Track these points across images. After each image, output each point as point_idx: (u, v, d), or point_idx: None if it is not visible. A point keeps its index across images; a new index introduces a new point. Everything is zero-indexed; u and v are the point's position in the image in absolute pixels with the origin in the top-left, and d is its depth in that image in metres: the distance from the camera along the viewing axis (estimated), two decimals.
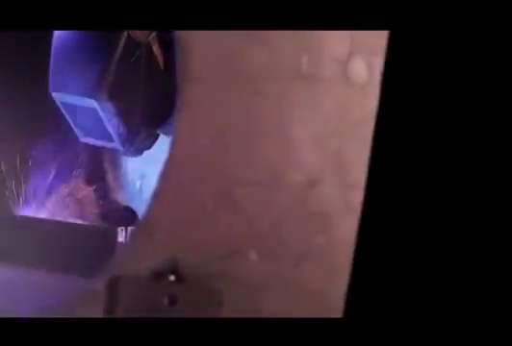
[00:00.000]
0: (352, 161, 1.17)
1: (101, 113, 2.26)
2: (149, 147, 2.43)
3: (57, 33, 2.26)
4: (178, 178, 1.13)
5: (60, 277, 1.95)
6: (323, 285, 1.17)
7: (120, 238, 2.26)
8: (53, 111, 2.35)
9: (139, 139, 2.38)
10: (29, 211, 2.25)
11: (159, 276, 1.12)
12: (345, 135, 1.17)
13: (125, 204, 2.54)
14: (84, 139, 2.39)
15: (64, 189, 2.37)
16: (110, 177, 2.55)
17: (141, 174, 2.50)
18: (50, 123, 2.37)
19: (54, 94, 2.29)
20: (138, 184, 2.50)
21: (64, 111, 2.33)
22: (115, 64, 2.22)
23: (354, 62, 1.17)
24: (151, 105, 2.34)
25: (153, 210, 1.12)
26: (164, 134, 2.42)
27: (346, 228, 1.17)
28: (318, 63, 1.16)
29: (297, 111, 1.16)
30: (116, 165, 2.55)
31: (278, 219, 1.16)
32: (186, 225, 1.13)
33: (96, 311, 1.10)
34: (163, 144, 2.42)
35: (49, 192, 2.33)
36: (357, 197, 1.17)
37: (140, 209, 2.49)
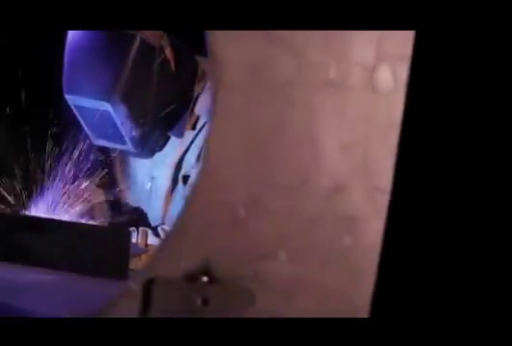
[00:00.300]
0: (378, 167, 1.21)
1: (114, 116, 2.30)
2: (160, 149, 2.47)
3: (70, 36, 2.29)
4: (211, 183, 1.16)
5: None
6: (350, 286, 1.21)
7: (132, 239, 2.30)
8: (66, 113, 2.38)
9: (150, 141, 2.42)
10: (42, 212, 2.28)
11: (192, 277, 1.16)
12: (371, 141, 1.21)
13: (135, 204, 2.58)
14: (96, 142, 2.43)
15: (74, 190, 2.40)
16: (120, 178, 2.58)
17: (152, 175, 2.53)
18: (64, 125, 2.40)
19: (67, 97, 2.33)
20: (148, 185, 2.53)
21: (77, 114, 2.37)
22: (128, 68, 2.26)
23: (380, 70, 1.21)
24: (163, 107, 2.38)
25: (187, 214, 1.15)
26: (174, 135, 2.46)
27: (373, 230, 1.21)
28: (345, 72, 1.20)
29: (326, 117, 1.19)
30: (127, 167, 2.59)
31: (307, 222, 1.19)
32: (218, 228, 1.17)
33: (132, 312, 1.14)
34: (172, 146, 2.47)
35: (61, 193, 2.35)
36: (383, 201, 1.21)
37: (150, 209, 2.54)
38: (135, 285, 1.13)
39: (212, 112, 1.16)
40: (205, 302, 1.16)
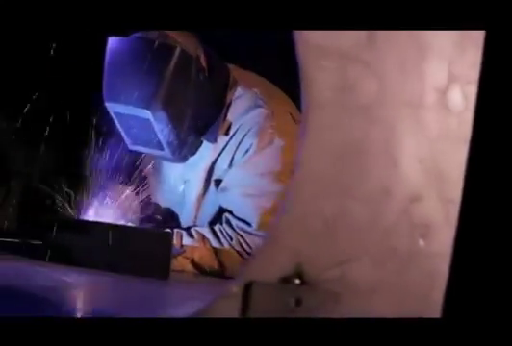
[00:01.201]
0: (450, 179, 1.33)
1: (154, 123, 2.40)
2: (193, 153, 2.57)
3: (110, 44, 2.38)
4: (303, 193, 1.28)
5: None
6: (424, 288, 1.33)
7: None
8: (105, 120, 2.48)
9: (185, 147, 2.52)
10: (87, 216, 2.37)
11: (286, 280, 1.27)
12: (444, 156, 1.33)
13: (167, 206, 2.68)
14: (133, 147, 2.53)
15: (114, 194, 2.49)
16: (153, 181, 2.67)
17: (184, 179, 2.63)
18: (104, 131, 2.49)
19: (107, 104, 2.42)
20: (181, 188, 2.63)
21: (115, 121, 2.46)
22: (169, 77, 2.36)
23: (452, 91, 1.33)
24: (198, 114, 2.48)
25: (282, 223, 1.27)
26: (207, 141, 2.56)
27: (445, 237, 1.33)
28: (420, 93, 1.32)
29: (404, 134, 1.32)
30: (159, 170, 2.68)
31: (387, 230, 1.31)
32: (309, 235, 1.28)
33: (233, 312, 1.25)
34: (205, 151, 2.57)
35: (100, 197, 2.45)
36: (454, 210, 1.33)
37: (182, 211, 2.64)
38: (235, 288, 1.25)
39: (302, 130, 1.27)
40: (298, 302, 1.27)
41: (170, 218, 2.64)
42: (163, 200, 2.67)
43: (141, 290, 2.15)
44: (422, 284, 1.33)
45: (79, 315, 1.69)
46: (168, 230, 2.42)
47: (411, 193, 1.32)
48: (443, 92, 1.33)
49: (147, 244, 2.25)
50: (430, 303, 1.33)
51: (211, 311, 1.25)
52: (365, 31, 1.29)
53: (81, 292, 2.09)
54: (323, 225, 1.29)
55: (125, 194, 2.55)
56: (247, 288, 1.26)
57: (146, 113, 2.36)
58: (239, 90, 2.55)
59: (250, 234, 2.45)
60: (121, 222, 2.43)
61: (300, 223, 1.28)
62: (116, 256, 2.22)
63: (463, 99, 1.34)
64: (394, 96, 1.31)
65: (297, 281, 1.28)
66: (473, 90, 1.34)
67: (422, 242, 1.32)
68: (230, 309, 1.25)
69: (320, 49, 1.28)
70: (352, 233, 1.30)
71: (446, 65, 1.33)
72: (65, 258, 2.23)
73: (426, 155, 1.33)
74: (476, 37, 1.34)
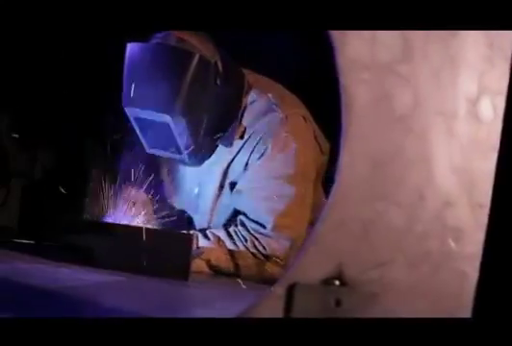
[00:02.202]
0: (480, 185, 1.41)
1: (173, 128, 2.45)
2: (209, 157, 2.62)
3: (129, 50, 2.43)
4: (343, 199, 1.35)
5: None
6: (456, 289, 1.40)
7: None
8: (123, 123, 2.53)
9: (202, 151, 2.57)
10: (108, 218, 2.42)
11: (327, 282, 1.34)
12: (475, 163, 1.40)
13: (182, 209, 2.73)
14: (151, 151, 2.58)
15: (130, 196, 2.55)
16: (168, 184, 2.73)
17: (199, 181, 2.69)
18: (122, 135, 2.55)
19: (127, 109, 2.47)
20: (196, 190, 2.69)
21: (134, 124, 2.51)
22: (188, 83, 2.41)
23: (482, 102, 1.41)
24: (215, 118, 2.54)
25: (322, 227, 1.34)
26: (223, 145, 2.61)
27: (475, 240, 1.41)
28: (453, 103, 1.40)
29: (437, 143, 1.39)
30: (175, 173, 2.74)
31: (421, 233, 1.39)
32: (349, 238, 1.35)
33: (277, 312, 1.32)
34: (220, 154, 2.63)
35: (119, 199, 2.50)
36: (484, 215, 1.41)
37: (196, 213, 2.70)
38: (279, 290, 1.31)
39: (343, 138, 1.34)
40: (338, 303, 1.34)
41: (185, 220, 2.70)
42: (178, 202, 2.72)
43: (163, 291, 2.21)
44: (454, 285, 1.40)
45: (104, 315, 1.74)
46: (190, 232, 2.47)
47: (444, 199, 1.39)
48: (473, 103, 1.40)
49: (169, 246, 2.30)
50: (462, 303, 1.40)
51: (256, 312, 1.32)
52: (401, 45, 1.36)
53: (103, 292, 2.14)
54: (362, 229, 1.35)
55: (142, 197, 2.61)
56: (290, 290, 1.32)
57: (166, 118, 2.41)
58: (253, 95, 2.61)
59: (265, 235, 2.51)
60: (139, 224, 2.48)
61: (341, 227, 1.35)
62: (138, 257, 2.27)
63: (492, 109, 1.41)
64: (427, 106, 1.38)
65: (337, 282, 1.34)
66: (501, 101, 1.41)
67: (453, 245, 1.39)
68: (274, 310, 1.32)
69: (359, 63, 1.35)
70: (389, 236, 1.37)
71: (476, 77, 1.40)
72: (88, 259, 2.29)
73: (458, 162, 1.40)
74: (505, 51, 1.41)
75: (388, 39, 1.36)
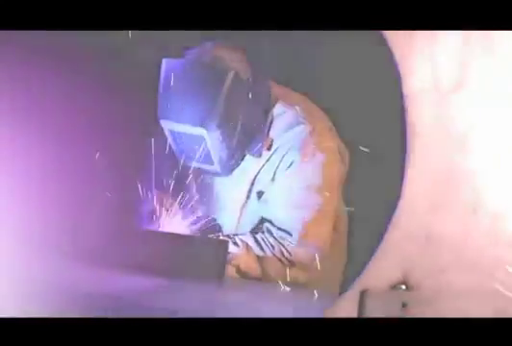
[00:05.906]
0: None
1: (208, 141, 2.58)
2: (238, 166, 2.75)
3: (165, 65, 2.55)
4: (407, 211, 1.49)
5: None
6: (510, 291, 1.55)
7: None
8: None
9: (232, 162, 2.70)
10: (149, 226, 2.54)
11: (394, 286, 1.49)
12: None
13: (210, 215, 2.85)
14: (184, 162, 2.70)
15: (166, 206, 2.66)
16: (199, 193, 2.85)
17: (228, 190, 2.81)
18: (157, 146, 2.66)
19: (162, 122, 2.60)
20: (224, 198, 2.81)
21: (169, 137, 2.63)
22: (223, 98, 2.53)
23: None
24: (245, 131, 2.66)
25: (390, 237, 1.48)
26: (253, 156, 2.74)
27: None
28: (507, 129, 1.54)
29: (487, 159, 1.54)
30: (205, 183, 2.85)
31: (476, 242, 1.53)
32: (412, 248, 1.50)
33: (352, 313, 1.47)
34: (249, 164, 2.75)
35: (156, 208, 2.62)
36: None
37: (224, 220, 2.82)
38: (354, 293, 1.46)
39: (407, 156, 1.49)
40: (404, 306, 1.49)
41: (214, 227, 2.81)
42: (207, 210, 2.84)
43: (200, 293, 2.32)
44: (508, 287, 1.54)
45: (155, 316, 1.84)
46: (225, 239, 2.60)
47: (495, 210, 1.54)
48: None
49: (205, 251, 2.42)
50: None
51: (333, 312, 1.46)
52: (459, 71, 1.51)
53: (146, 295, 2.25)
54: (426, 238, 1.50)
55: (175, 206, 2.72)
56: (363, 293, 1.46)
57: (202, 132, 2.53)
58: (280, 107, 2.73)
59: (291, 243, 2.65)
60: (175, 231, 2.59)
61: (407, 236, 1.49)
62: (176, 262, 2.39)
63: None
64: (486, 127, 1.53)
65: (403, 287, 1.49)
66: None
67: (507, 254, 1.54)
68: (350, 311, 1.46)
69: (423, 87, 1.50)
70: (447, 244, 1.51)
71: None
72: (133, 264, 2.39)
73: (506, 178, 1.54)
74: None
75: (447, 66, 1.50)
